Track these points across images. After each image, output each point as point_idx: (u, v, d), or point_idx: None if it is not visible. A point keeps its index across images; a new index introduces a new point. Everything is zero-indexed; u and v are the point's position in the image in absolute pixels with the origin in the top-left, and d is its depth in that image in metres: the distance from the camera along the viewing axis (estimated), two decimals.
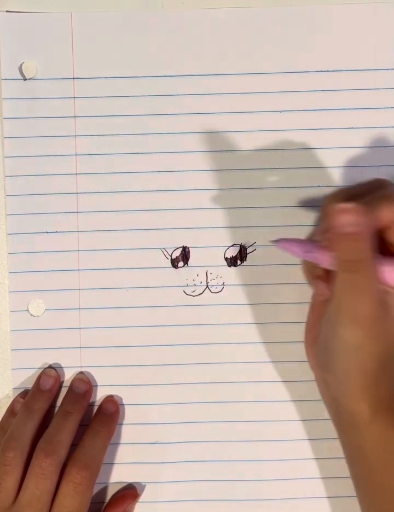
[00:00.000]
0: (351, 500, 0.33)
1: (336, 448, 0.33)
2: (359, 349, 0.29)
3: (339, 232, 0.28)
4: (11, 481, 0.33)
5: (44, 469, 0.33)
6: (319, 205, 0.37)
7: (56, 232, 0.37)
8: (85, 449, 0.35)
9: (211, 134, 0.37)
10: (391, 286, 0.28)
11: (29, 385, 0.37)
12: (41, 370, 0.37)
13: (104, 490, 0.38)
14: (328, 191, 0.37)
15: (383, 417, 0.30)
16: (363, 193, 0.30)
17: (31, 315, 0.38)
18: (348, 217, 0.27)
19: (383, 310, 0.29)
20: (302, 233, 0.37)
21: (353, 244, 0.28)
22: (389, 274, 0.28)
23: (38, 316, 0.38)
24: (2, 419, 0.37)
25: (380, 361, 0.29)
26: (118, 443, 0.37)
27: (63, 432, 0.34)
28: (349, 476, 0.33)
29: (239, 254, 0.37)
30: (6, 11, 0.37)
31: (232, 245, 0.37)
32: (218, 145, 0.37)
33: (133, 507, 0.37)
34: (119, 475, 0.38)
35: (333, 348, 0.30)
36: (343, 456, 0.33)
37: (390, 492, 0.30)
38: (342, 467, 0.33)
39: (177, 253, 0.37)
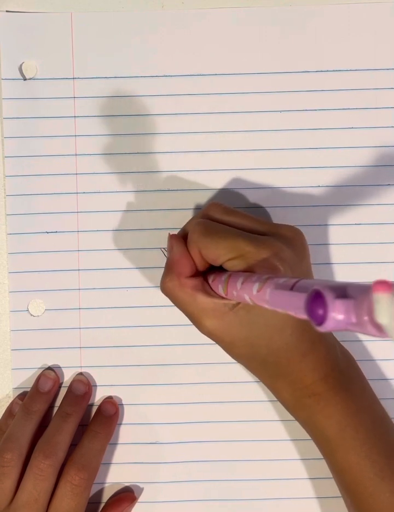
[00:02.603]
0: None
1: None
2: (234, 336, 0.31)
3: (167, 259, 0.32)
4: (9, 482, 0.33)
5: (42, 470, 0.33)
6: (320, 205, 0.37)
7: (56, 232, 0.37)
8: (83, 451, 0.35)
9: (211, 134, 0.37)
10: (218, 293, 0.30)
11: (29, 386, 0.37)
12: (41, 370, 0.37)
13: (102, 491, 0.38)
14: (328, 191, 0.37)
15: (305, 404, 0.32)
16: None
17: (31, 315, 0.38)
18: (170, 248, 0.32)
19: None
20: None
21: (170, 269, 0.31)
22: (212, 283, 0.31)
23: (38, 316, 0.38)
24: (0, 420, 0.37)
25: (253, 347, 0.31)
26: (117, 444, 0.37)
27: (61, 434, 0.34)
28: None
29: None
30: (6, 11, 0.37)
31: None
32: (217, 145, 0.37)
33: (131, 510, 0.37)
34: (117, 475, 0.37)
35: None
36: None
37: (346, 472, 0.31)
38: None
39: None
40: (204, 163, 0.37)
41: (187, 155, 0.37)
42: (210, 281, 0.31)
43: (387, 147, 0.37)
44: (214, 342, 0.32)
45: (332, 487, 0.34)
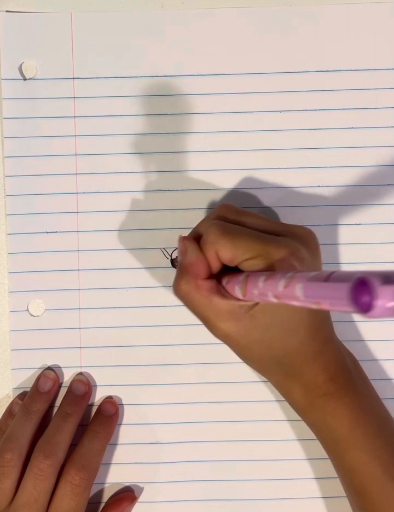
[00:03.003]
0: None
1: None
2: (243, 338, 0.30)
3: (180, 261, 0.31)
4: (9, 482, 0.33)
5: (43, 470, 0.33)
6: (320, 205, 0.37)
7: (56, 232, 0.37)
8: (83, 451, 0.35)
9: (211, 134, 0.37)
10: (234, 296, 0.30)
11: (29, 386, 0.37)
12: (41, 370, 0.37)
13: (102, 491, 0.38)
14: (328, 191, 0.37)
15: (317, 405, 0.32)
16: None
17: (31, 315, 0.37)
18: (184, 250, 0.31)
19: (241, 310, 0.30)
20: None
21: (184, 271, 0.31)
22: (227, 285, 0.30)
23: (38, 316, 0.38)
24: (0, 420, 0.37)
25: (270, 348, 0.31)
26: (117, 444, 0.37)
27: (61, 434, 0.34)
28: None
29: None
30: (6, 11, 0.37)
31: None
32: (217, 145, 0.37)
33: (131, 510, 0.37)
34: (117, 475, 0.37)
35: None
36: None
37: (354, 472, 0.32)
38: None
39: (177, 253, 0.37)
40: (204, 163, 0.37)
41: (187, 155, 0.37)
42: (224, 283, 0.31)
43: (387, 147, 0.37)
44: (223, 343, 0.32)
45: (333, 487, 0.34)
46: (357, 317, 0.37)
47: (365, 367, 0.34)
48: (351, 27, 0.37)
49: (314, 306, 0.22)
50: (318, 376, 0.31)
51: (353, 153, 0.37)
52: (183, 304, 0.37)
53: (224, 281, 0.31)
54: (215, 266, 0.31)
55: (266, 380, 0.35)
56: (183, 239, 0.32)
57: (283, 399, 0.34)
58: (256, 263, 0.29)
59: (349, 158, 0.37)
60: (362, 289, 0.19)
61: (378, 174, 0.37)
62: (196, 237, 0.32)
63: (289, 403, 0.34)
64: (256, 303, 0.30)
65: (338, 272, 0.22)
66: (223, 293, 0.30)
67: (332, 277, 0.22)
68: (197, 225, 0.33)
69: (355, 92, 0.37)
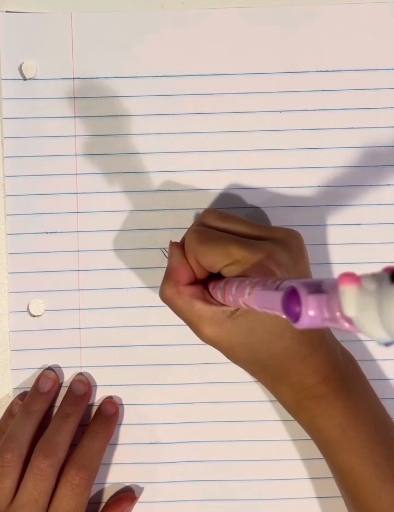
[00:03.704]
0: None
1: None
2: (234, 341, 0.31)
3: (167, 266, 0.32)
4: (9, 482, 0.33)
5: (43, 470, 0.33)
6: (320, 205, 0.37)
7: (56, 232, 0.37)
8: (84, 451, 0.35)
9: (211, 134, 0.37)
10: (218, 300, 0.30)
11: (29, 386, 0.37)
12: (41, 370, 0.37)
13: (102, 491, 0.38)
14: (328, 191, 0.37)
15: (307, 407, 0.32)
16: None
17: (31, 315, 0.37)
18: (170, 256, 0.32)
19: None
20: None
21: (168, 277, 0.32)
22: (212, 291, 0.31)
23: (37, 316, 0.38)
24: (0, 420, 0.37)
25: (253, 351, 0.31)
26: (117, 444, 0.37)
27: (61, 434, 0.34)
28: None
29: None
30: (6, 11, 0.37)
31: None
32: (217, 145, 0.37)
33: (131, 510, 0.37)
34: (117, 475, 0.37)
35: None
36: None
37: (347, 474, 0.32)
38: None
39: None
40: (204, 163, 0.37)
41: (187, 155, 0.37)
42: (210, 288, 0.31)
43: (387, 147, 0.37)
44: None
45: (332, 487, 0.34)
46: None
47: (365, 367, 0.34)
48: (351, 27, 0.37)
49: (269, 312, 0.22)
50: (306, 379, 0.31)
51: (353, 153, 0.37)
52: None
53: (210, 286, 0.31)
54: (200, 272, 0.31)
55: None
56: (171, 244, 0.32)
57: None
58: (235, 269, 0.29)
59: (349, 158, 0.37)
60: (293, 298, 0.19)
61: (378, 174, 0.37)
62: (183, 243, 0.33)
63: (280, 403, 0.34)
64: (238, 308, 0.30)
65: (284, 280, 0.22)
66: (208, 298, 0.31)
67: (281, 286, 0.21)
68: (186, 231, 0.34)
69: (355, 92, 0.37)
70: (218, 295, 0.30)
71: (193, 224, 0.34)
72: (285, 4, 0.37)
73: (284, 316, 0.20)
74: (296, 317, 0.19)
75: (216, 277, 0.32)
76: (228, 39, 0.37)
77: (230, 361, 0.33)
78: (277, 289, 0.22)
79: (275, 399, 0.34)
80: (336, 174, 0.37)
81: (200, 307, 0.30)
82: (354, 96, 0.37)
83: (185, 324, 0.32)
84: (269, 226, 0.33)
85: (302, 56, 0.37)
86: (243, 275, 0.29)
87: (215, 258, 0.30)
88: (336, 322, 0.18)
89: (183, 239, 0.33)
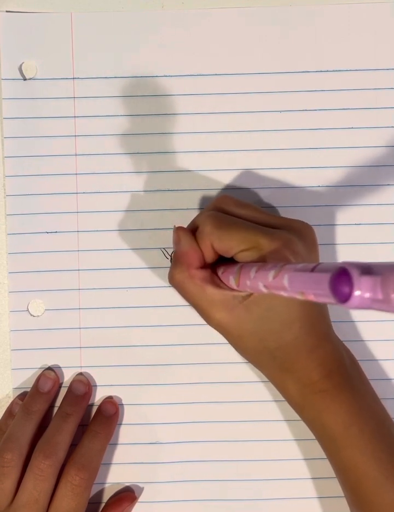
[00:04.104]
0: None
1: None
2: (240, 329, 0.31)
3: (174, 251, 0.32)
4: (9, 482, 0.33)
5: (43, 471, 0.33)
6: (320, 205, 0.37)
7: (56, 232, 0.37)
8: (84, 451, 0.35)
9: (211, 134, 0.37)
10: (228, 285, 0.31)
11: (29, 386, 0.37)
12: (41, 370, 0.37)
13: (102, 491, 0.38)
14: (328, 191, 0.37)
15: (312, 401, 0.32)
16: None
17: (31, 315, 0.37)
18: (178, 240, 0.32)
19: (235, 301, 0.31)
20: None
21: (178, 261, 0.32)
22: (222, 275, 0.31)
23: (38, 316, 0.38)
24: (0, 420, 0.37)
25: (262, 340, 0.31)
26: (117, 444, 0.37)
27: (62, 434, 0.34)
28: None
29: None
30: (6, 11, 0.37)
31: None
32: (217, 145, 0.37)
33: (131, 510, 0.37)
34: (117, 475, 0.37)
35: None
36: None
37: (350, 471, 0.32)
38: None
39: None
40: (204, 163, 0.37)
41: (187, 155, 0.37)
42: (220, 273, 0.31)
43: (387, 147, 0.37)
44: (223, 343, 0.32)
45: (332, 487, 0.34)
46: (357, 317, 0.37)
47: (365, 367, 0.34)
48: (351, 27, 0.37)
49: (300, 297, 0.23)
50: (312, 371, 0.31)
51: (353, 153, 0.37)
52: (183, 304, 0.37)
53: (220, 271, 0.31)
54: (210, 256, 0.31)
55: (266, 380, 0.35)
56: (176, 229, 0.32)
57: (283, 399, 0.34)
58: (250, 254, 0.30)
59: (349, 158, 0.37)
60: (342, 280, 0.19)
61: (378, 174, 0.37)
62: (193, 228, 0.33)
63: (286, 399, 0.34)
64: (250, 294, 0.30)
65: (324, 263, 0.22)
66: (217, 283, 0.31)
67: (318, 268, 0.22)
68: (197, 216, 0.34)
69: (355, 92, 0.37)
70: (229, 279, 0.30)
71: (206, 209, 0.34)
72: (285, 4, 0.37)
73: (325, 299, 0.20)
74: (345, 298, 0.19)
75: (223, 262, 0.32)
76: (228, 39, 0.37)
77: (230, 361, 0.33)
78: (312, 271, 0.22)
79: (275, 399, 0.34)
80: (336, 174, 0.37)
81: (211, 291, 0.30)
82: (354, 96, 0.37)
83: (186, 319, 0.32)
84: (283, 217, 0.33)
85: (302, 56, 0.37)
86: (258, 261, 0.29)
87: (231, 243, 0.30)
88: (389, 304, 0.18)
89: (192, 225, 0.33)
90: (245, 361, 0.37)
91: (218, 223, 0.31)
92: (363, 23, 0.37)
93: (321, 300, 0.21)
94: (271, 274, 0.25)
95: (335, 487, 0.34)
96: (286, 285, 0.24)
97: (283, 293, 0.24)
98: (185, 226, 0.34)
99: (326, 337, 0.32)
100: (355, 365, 0.34)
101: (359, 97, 0.37)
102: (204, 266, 0.32)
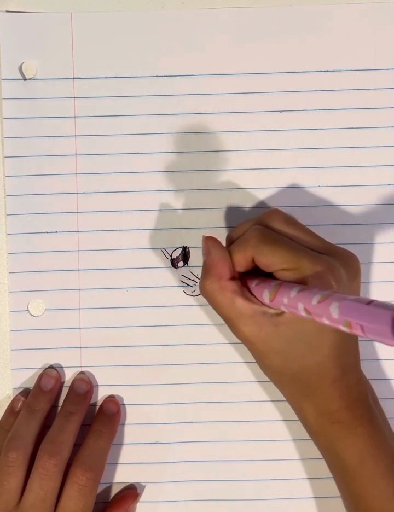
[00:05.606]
0: None
1: None
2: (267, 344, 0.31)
3: (204, 261, 0.32)
4: (15, 482, 0.33)
5: (48, 470, 0.33)
6: (320, 205, 0.37)
7: (56, 232, 0.37)
8: (89, 451, 0.35)
9: (211, 134, 0.37)
10: (259, 299, 0.31)
11: (30, 385, 0.37)
12: (41, 370, 0.37)
13: (105, 491, 0.38)
14: (328, 191, 0.37)
15: (328, 430, 0.31)
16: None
17: (31, 315, 0.38)
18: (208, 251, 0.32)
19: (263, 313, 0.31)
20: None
21: (208, 272, 0.31)
22: (255, 288, 0.31)
23: (38, 316, 0.38)
24: (2, 418, 0.37)
25: (287, 359, 0.31)
26: (119, 444, 0.37)
27: (65, 433, 0.34)
28: None
29: None
30: (6, 11, 0.37)
31: None
32: (217, 145, 0.37)
33: (135, 507, 0.37)
34: (119, 475, 0.38)
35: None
36: None
37: (360, 499, 0.32)
38: None
39: (177, 253, 0.37)
40: (204, 163, 0.37)
41: (187, 155, 0.37)
42: (252, 285, 0.31)
43: (387, 147, 0.37)
44: (224, 343, 0.32)
45: (332, 487, 0.34)
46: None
47: (365, 367, 0.34)
48: (351, 27, 0.37)
49: (344, 328, 0.22)
50: (332, 401, 0.31)
51: (353, 153, 0.37)
52: (183, 304, 0.37)
53: (253, 283, 0.31)
54: (244, 267, 0.31)
55: (266, 380, 0.35)
56: (206, 239, 0.32)
57: (283, 399, 0.34)
58: (291, 275, 0.30)
59: (349, 158, 0.37)
60: None
61: (378, 174, 0.37)
62: (232, 238, 0.33)
63: (300, 421, 0.34)
64: (281, 313, 0.30)
65: (379, 301, 0.22)
66: (247, 296, 0.31)
67: (374, 303, 0.22)
68: (239, 226, 0.34)
69: (355, 92, 0.37)
70: (263, 293, 0.30)
71: (250, 220, 0.33)
72: (285, 4, 0.37)
73: (375, 337, 0.20)
74: None
75: (251, 274, 0.32)
76: (228, 39, 0.37)
77: (230, 361, 0.33)
78: (368, 305, 0.22)
79: (277, 399, 0.34)
80: (336, 174, 0.37)
81: (241, 304, 0.30)
82: (354, 96, 0.37)
83: (186, 319, 0.32)
84: (330, 242, 0.33)
85: (302, 56, 0.37)
86: (298, 282, 0.29)
87: (274, 259, 0.30)
88: None
89: (234, 233, 0.33)
90: (246, 361, 0.37)
91: (264, 238, 0.31)
92: (363, 23, 0.37)
93: (371, 335, 0.21)
94: (315, 298, 0.25)
95: (334, 487, 0.34)
96: (331, 312, 0.23)
97: (325, 320, 0.24)
98: (188, 228, 0.33)
99: (352, 371, 0.32)
100: (377, 402, 0.34)
101: (359, 97, 0.37)
102: (234, 276, 0.31)
